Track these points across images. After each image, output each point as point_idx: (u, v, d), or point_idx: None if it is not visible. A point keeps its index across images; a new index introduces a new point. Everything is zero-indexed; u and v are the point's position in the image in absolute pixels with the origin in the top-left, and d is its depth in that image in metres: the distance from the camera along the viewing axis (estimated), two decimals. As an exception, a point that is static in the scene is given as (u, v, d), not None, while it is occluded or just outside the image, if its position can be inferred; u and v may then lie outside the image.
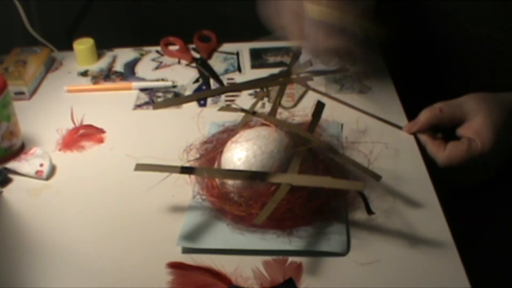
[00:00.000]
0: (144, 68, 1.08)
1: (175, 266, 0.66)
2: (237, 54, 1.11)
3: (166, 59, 1.10)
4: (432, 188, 0.75)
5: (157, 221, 0.73)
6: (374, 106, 0.93)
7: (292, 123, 0.83)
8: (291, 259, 0.66)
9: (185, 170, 0.73)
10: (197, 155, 0.79)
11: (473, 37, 0.99)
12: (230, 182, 0.71)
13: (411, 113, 0.89)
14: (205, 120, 0.89)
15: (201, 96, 0.96)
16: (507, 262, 1.02)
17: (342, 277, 0.65)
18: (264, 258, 0.66)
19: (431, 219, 0.71)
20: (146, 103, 0.98)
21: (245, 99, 0.96)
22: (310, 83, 0.96)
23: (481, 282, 0.68)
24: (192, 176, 0.75)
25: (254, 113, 0.81)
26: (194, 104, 0.97)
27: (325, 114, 0.84)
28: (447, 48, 1.06)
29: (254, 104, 0.86)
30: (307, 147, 0.73)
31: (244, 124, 0.80)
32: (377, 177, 0.73)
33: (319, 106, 0.81)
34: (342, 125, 0.88)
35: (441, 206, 0.73)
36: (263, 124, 0.78)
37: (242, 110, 0.83)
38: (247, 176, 0.70)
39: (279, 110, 0.85)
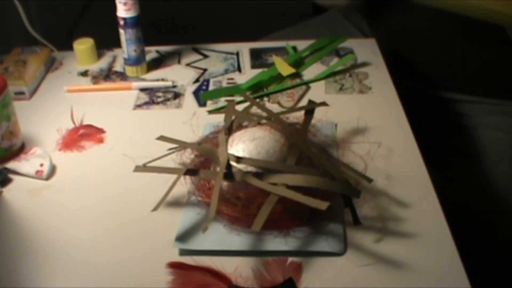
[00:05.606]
0: (144, 68, 1.08)
1: (175, 266, 0.66)
2: (237, 54, 1.11)
3: (166, 59, 1.11)
4: (432, 188, 0.75)
5: (157, 221, 0.73)
6: (374, 106, 0.93)
7: (286, 121, 0.82)
8: (291, 259, 0.66)
9: (189, 172, 0.73)
10: (192, 156, 0.78)
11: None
12: (225, 182, 0.71)
13: (411, 113, 0.89)
14: (204, 120, 0.89)
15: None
16: (507, 261, 1.02)
17: (342, 277, 0.65)
18: (262, 259, 0.66)
19: (430, 219, 0.71)
20: (146, 103, 0.98)
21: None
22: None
23: (481, 281, 0.68)
24: (187, 177, 0.75)
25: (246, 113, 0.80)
26: (194, 103, 0.97)
27: (319, 114, 0.84)
28: (448, 46, 1.06)
29: (248, 107, 0.86)
30: (301, 148, 0.72)
31: (237, 125, 0.80)
32: (369, 180, 0.74)
33: (311, 107, 0.81)
34: (336, 124, 0.88)
35: (441, 206, 0.72)
36: (258, 124, 0.78)
37: (235, 112, 0.82)
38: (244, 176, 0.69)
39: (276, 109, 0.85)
